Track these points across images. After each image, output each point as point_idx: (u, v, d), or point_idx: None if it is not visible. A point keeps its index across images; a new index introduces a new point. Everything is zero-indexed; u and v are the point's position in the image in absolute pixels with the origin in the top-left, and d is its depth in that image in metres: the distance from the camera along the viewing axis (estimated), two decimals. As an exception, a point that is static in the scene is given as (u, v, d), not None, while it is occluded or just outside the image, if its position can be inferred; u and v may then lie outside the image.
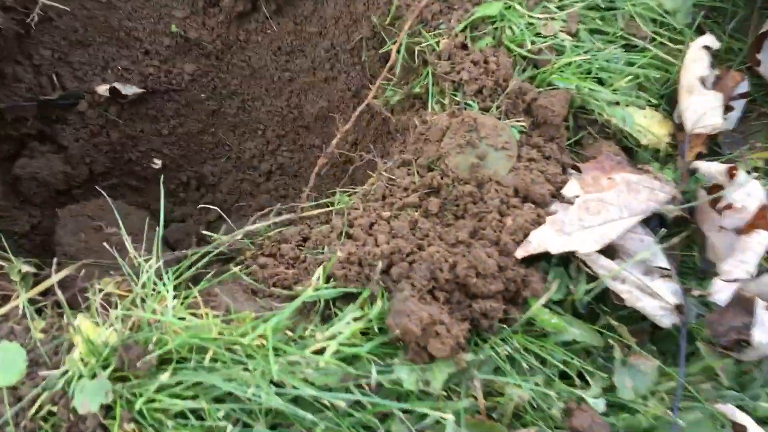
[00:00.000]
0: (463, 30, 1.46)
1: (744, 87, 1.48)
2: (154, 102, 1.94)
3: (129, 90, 1.87)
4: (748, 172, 1.41)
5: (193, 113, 1.96)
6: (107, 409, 1.04)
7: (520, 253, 1.18)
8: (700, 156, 1.45)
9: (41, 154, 1.84)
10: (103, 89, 1.84)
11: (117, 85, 1.85)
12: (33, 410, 1.05)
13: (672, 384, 1.22)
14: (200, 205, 1.51)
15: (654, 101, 1.45)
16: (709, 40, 1.44)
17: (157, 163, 1.98)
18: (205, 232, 1.38)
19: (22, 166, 1.81)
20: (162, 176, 1.96)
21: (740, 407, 1.17)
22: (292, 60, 1.87)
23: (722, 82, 1.48)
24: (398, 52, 1.54)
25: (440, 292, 1.17)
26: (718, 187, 1.32)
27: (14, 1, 1.60)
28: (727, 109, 1.47)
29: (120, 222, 1.44)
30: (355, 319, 1.15)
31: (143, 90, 1.90)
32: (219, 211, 1.37)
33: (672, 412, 1.15)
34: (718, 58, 1.53)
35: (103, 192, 1.53)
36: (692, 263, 1.37)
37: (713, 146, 1.47)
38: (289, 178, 1.90)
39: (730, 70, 1.50)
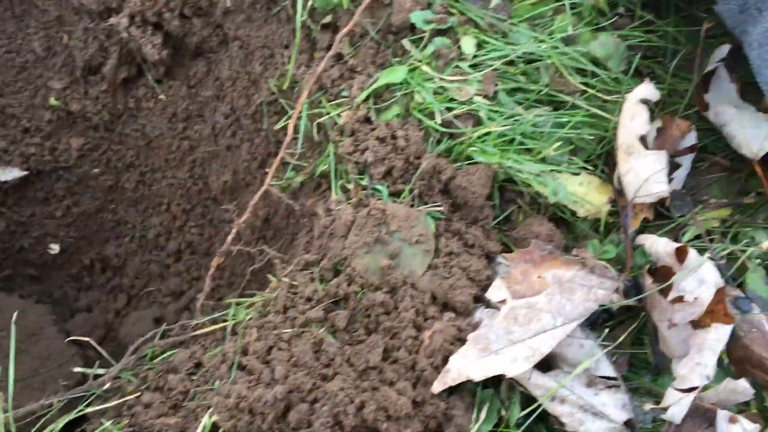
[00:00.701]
0: (366, 100, 1.26)
1: (692, 139, 1.30)
2: (41, 183, 1.72)
3: (9, 174, 1.66)
4: (698, 237, 1.24)
5: (88, 191, 1.75)
6: None
7: (437, 386, 1.00)
8: (645, 222, 1.27)
9: None
10: (-20, 177, 1.63)
11: (-6, 170, 1.64)
12: None
13: None
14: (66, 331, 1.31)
15: (590, 166, 1.27)
16: (646, 91, 1.25)
17: (54, 247, 1.77)
18: (77, 369, 1.18)
19: None
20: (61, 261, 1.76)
21: None
22: (191, 127, 1.65)
23: (666, 134, 1.31)
24: (298, 122, 1.34)
25: (346, 440, 0.99)
26: (667, 270, 1.14)
27: None
28: (674, 166, 1.29)
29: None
30: (249, 483, 0.97)
31: (26, 172, 1.68)
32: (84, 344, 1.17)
33: None
34: (661, 103, 1.35)
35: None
36: (644, 354, 1.20)
37: (660, 208, 1.29)
38: (201, 257, 1.71)
39: (674, 117, 1.32)
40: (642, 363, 1.18)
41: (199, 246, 1.71)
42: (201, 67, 1.59)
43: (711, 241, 1.26)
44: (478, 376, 1.00)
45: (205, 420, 1.02)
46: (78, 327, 1.75)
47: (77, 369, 1.19)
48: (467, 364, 1.01)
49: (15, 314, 1.17)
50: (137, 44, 1.51)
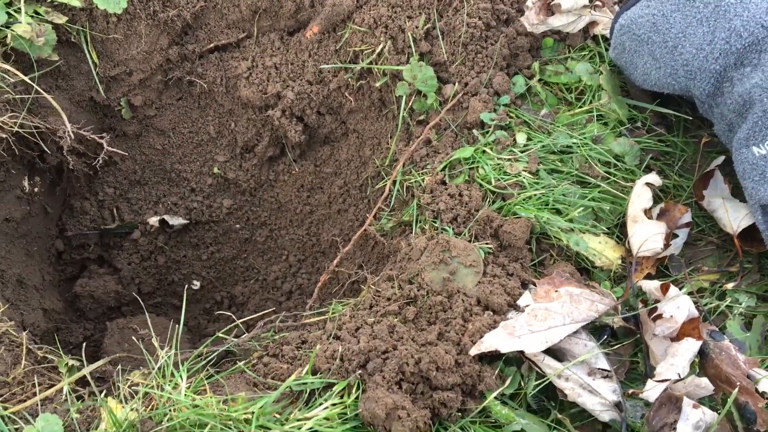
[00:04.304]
0: (443, 169, 1.75)
1: (687, 218, 1.70)
2: (196, 231, 2.27)
3: (176, 221, 2.22)
4: (691, 293, 1.61)
5: (229, 241, 2.29)
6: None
7: (474, 351, 1.40)
8: (649, 276, 1.66)
9: (98, 275, 2.17)
10: (154, 220, 2.19)
11: (166, 217, 2.19)
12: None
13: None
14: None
15: (608, 230, 1.69)
16: (651, 178, 1.69)
17: (196, 284, 2.28)
18: (219, 334, 1.65)
19: (81, 285, 2.12)
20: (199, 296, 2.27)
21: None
22: (312, 196, 2.19)
23: (669, 214, 1.71)
24: (393, 185, 1.84)
25: (406, 383, 1.38)
26: (655, 301, 1.52)
27: (85, 147, 1.99)
28: (674, 236, 1.69)
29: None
30: (334, 405, 1.37)
31: (188, 221, 2.24)
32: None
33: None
34: (668, 194, 1.77)
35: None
36: (640, 368, 1.55)
37: (663, 269, 1.68)
38: (307, 297, 2.17)
39: (677, 204, 1.73)
40: (637, 375, 1.53)
41: (306, 288, 2.19)
42: (326, 151, 2.16)
43: (701, 297, 1.63)
44: (504, 349, 1.40)
45: (308, 366, 1.45)
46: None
47: (220, 334, 1.65)
48: (497, 340, 1.41)
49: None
50: (284, 130, 2.10)
